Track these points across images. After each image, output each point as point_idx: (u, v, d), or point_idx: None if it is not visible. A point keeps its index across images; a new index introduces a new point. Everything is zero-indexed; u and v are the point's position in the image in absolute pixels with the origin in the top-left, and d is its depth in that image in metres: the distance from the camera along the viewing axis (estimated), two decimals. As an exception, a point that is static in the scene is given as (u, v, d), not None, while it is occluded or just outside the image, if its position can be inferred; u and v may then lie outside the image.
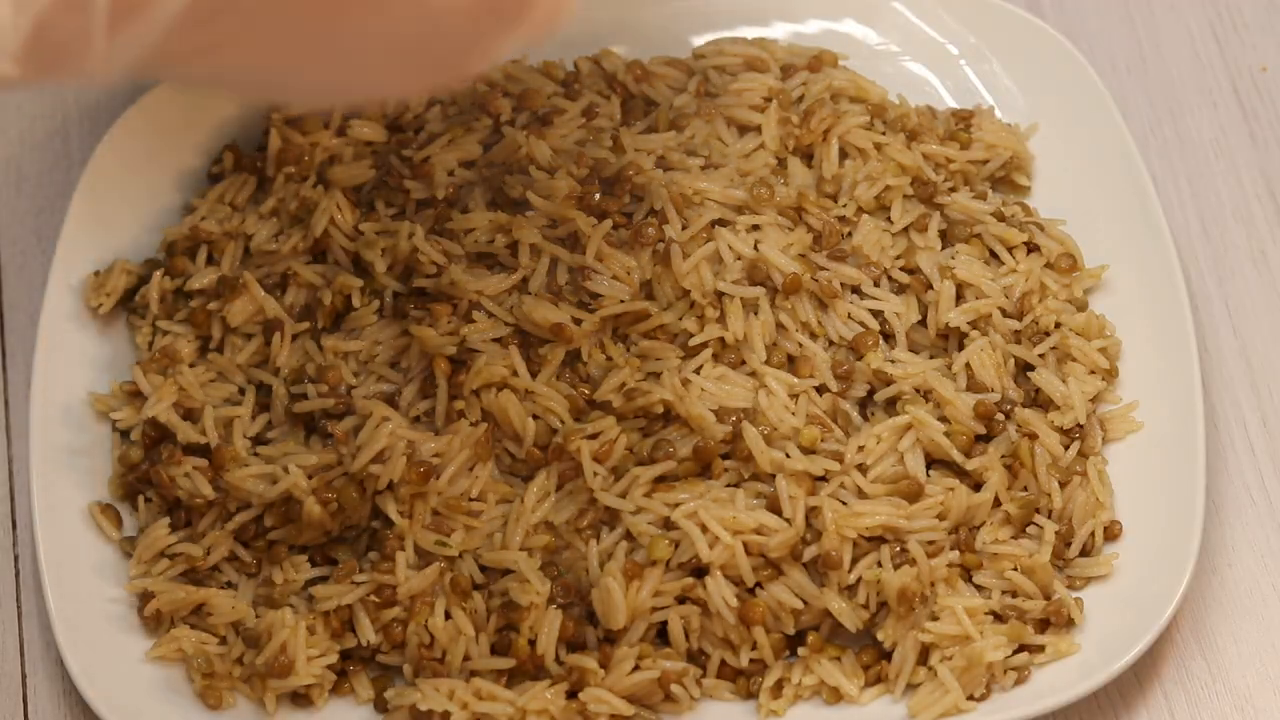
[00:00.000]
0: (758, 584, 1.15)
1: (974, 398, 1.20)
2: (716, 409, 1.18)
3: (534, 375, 1.19)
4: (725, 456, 1.17)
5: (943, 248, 1.26)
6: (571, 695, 1.13)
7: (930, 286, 1.23)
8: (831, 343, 1.21)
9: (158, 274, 1.28)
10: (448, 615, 1.15)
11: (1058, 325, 1.24)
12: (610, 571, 1.14)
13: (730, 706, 1.15)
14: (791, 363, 1.20)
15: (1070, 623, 1.16)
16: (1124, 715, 1.17)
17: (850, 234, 1.25)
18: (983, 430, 1.19)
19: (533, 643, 1.14)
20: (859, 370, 1.21)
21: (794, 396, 1.19)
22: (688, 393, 1.18)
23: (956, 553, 1.17)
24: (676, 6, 1.38)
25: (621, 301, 1.21)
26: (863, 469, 1.17)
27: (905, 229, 1.25)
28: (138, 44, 0.92)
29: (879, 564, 1.15)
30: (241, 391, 1.22)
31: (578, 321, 1.20)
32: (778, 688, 1.15)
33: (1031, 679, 1.14)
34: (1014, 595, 1.16)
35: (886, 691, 1.15)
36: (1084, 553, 1.18)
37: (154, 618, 1.18)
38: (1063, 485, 1.19)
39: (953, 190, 1.28)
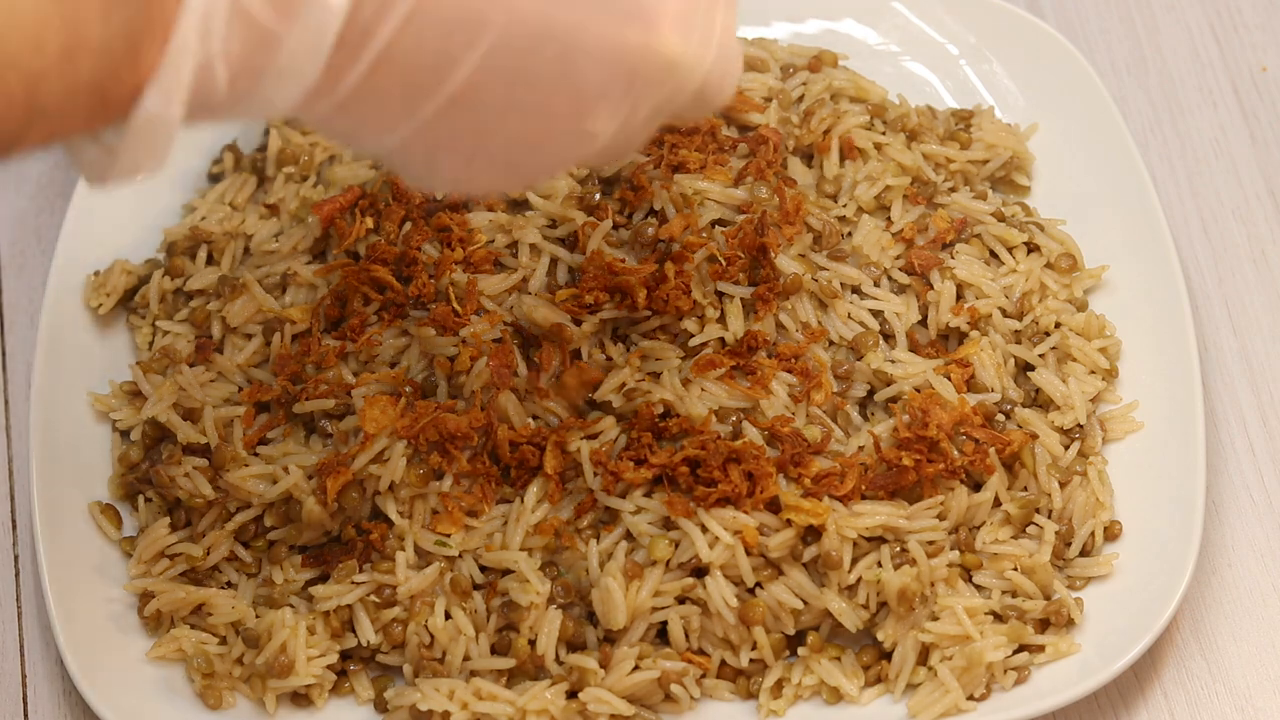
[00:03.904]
0: (758, 584, 1.15)
1: (974, 398, 1.20)
2: (717, 409, 1.18)
3: (534, 375, 1.19)
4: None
5: (943, 248, 1.26)
6: (571, 695, 1.13)
7: (930, 286, 1.23)
8: (831, 343, 1.21)
9: (158, 274, 1.28)
10: (448, 615, 1.15)
11: (1058, 325, 1.24)
12: (610, 571, 1.14)
13: (730, 706, 1.15)
14: (792, 362, 1.20)
15: (1070, 623, 1.16)
16: (1124, 715, 1.17)
17: (850, 234, 1.25)
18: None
19: (533, 643, 1.14)
20: (859, 370, 1.21)
21: (794, 397, 1.19)
22: (688, 393, 1.18)
23: (956, 553, 1.17)
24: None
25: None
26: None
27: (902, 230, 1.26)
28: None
29: (879, 564, 1.15)
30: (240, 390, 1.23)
31: (578, 322, 1.20)
32: (778, 688, 1.15)
33: (1031, 679, 1.14)
34: (1014, 595, 1.16)
35: (886, 691, 1.15)
36: (1084, 553, 1.18)
37: (154, 618, 1.18)
38: (1063, 485, 1.19)
39: (953, 190, 1.28)
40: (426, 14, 0.91)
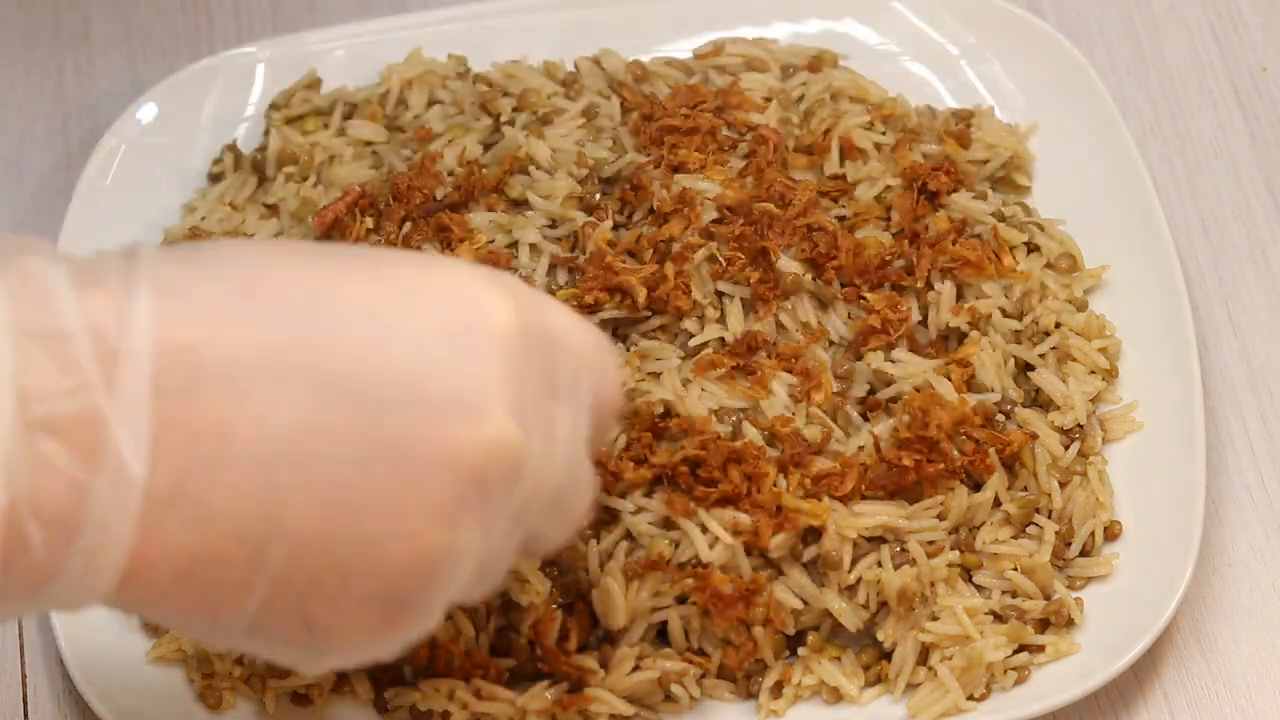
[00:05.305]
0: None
1: (974, 398, 1.20)
2: (717, 409, 1.18)
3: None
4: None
5: (943, 248, 1.26)
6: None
7: (931, 286, 1.23)
8: (832, 343, 1.21)
9: (158, 274, 1.27)
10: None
11: (1058, 325, 1.24)
12: (610, 571, 1.14)
13: (730, 706, 1.15)
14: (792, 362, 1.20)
15: (1070, 623, 1.16)
16: (1124, 715, 1.17)
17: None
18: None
19: (533, 643, 1.14)
20: (859, 370, 1.21)
21: (794, 397, 1.18)
22: (688, 393, 1.18)
23: (956, 553, 1.17)
24: (677, 6, 1.38)
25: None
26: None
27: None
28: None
29: (879, 564, 1.15)
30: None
31: (578, 322, 1.20)
32: (778, 688, 1.15)
33: (1031, 679, 1.14)
34: (1014, 595, 1.16)
35: (886, 691, 1.15)
36: (1084, 553, 1.18)
37: (154, 618, 1.18)
38: (1063, 485, 1.19)
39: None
40: (239, 456, 0.82)
